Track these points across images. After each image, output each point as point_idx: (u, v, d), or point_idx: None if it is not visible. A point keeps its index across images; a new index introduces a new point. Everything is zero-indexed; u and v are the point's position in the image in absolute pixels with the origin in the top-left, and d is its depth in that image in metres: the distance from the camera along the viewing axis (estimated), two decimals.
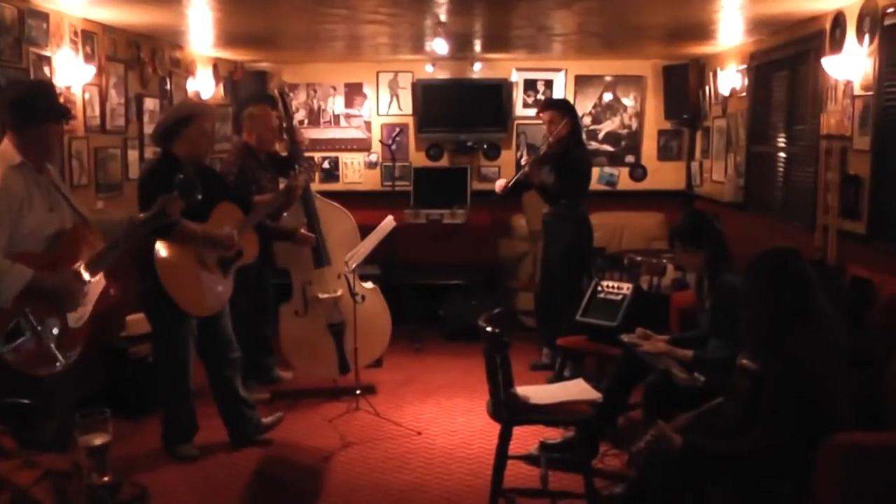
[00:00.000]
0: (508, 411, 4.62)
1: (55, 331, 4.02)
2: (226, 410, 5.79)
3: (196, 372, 5.66)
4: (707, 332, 5.01)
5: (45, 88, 4.37)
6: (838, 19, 6.06)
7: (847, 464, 3.49)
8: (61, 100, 4.84)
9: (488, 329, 4.49)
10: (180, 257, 5.32)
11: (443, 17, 6.56)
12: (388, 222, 6.45)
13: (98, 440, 3.03)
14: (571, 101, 9.44)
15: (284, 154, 7.11)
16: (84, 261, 4.14)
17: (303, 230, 6.48)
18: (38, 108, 4.09)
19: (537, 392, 4.80)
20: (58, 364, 4.01)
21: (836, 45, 6.03)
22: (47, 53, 5.91)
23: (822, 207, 6.27)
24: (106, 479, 3.01)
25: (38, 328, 3.92)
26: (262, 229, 6.34)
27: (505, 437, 4.71)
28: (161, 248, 5.25)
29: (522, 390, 4.68)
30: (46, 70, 5.89)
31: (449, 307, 8.71)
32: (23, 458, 3.04)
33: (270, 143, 6.83)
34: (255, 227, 5.93)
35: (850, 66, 5.75)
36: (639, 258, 7.27)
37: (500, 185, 7.36)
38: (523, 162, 7.14)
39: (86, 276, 4.13)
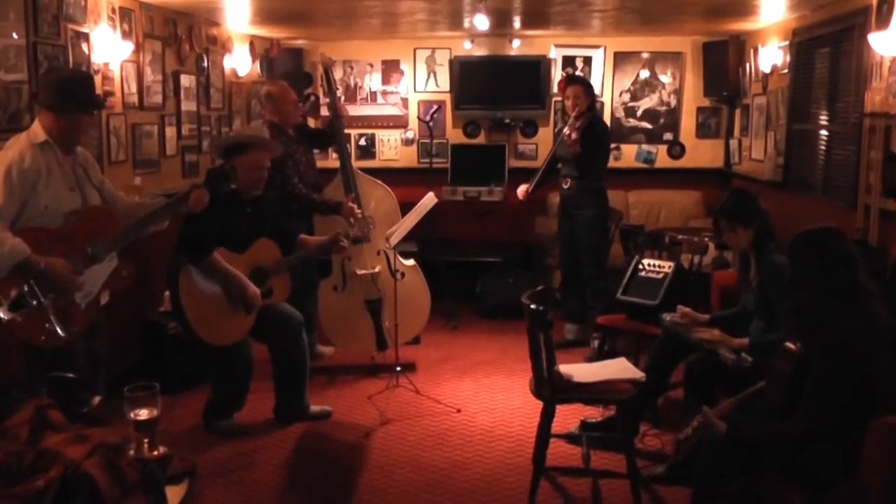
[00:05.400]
0: (552, 389, 4.58)
1: (59, 304, 4.14)
2: (283, 381, 5.78)
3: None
4: (753, 311, 4.94)
5: (85, 80, 4.58)
6: None
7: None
8: (98, 88, 4.94)
9: (532, 307, 4.44)
10: (205, 285, 5.29)
11: None
12: (430, 199, 6.41)
13: (147, 414, 3.06)
14: (611, 78, 9.53)
15: (320, 127, 7.17)
16: (90, 246, 4.27)
17: (350, 202, 6.49)
18: (75, 97, 4.30)
19: (580, 370, 4.77)
20: (61, 336, 4.14)
21: (883, 21, 5.92)
22: (85, 30, 5.90)
23: (863, 187, 6.17)
24: (156, 452, 3.04)
25: (42, 300, 4.04)
26: (308, 203, 6.47)
27: (547, 416, 4.68)
28: (189, 272, 5.23)
29: (565, 369, 4.64)
30: (84, 47, 5.88)
31: (485, 285, 8.69)
32: (73, 431, 3.07)
33: (293, 116, 6.84)
34: (300, 197, 6.38)
35: None
36: (680, 236, 7.21)
37: (521, 191, 7.53)
38: (566, 130, 7.14)
39: (82, 270, 4.25)
